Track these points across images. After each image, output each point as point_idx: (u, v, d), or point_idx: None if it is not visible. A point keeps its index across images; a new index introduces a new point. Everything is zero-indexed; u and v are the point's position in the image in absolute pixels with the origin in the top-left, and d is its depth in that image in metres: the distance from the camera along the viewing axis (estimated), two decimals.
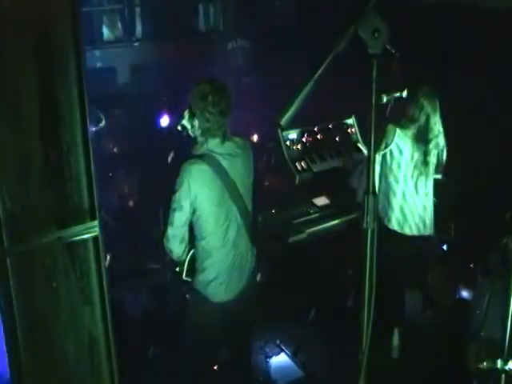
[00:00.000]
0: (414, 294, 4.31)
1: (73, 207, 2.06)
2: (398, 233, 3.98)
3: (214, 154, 3.10)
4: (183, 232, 3.10)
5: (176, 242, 3.11)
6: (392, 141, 3.82)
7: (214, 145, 3.11)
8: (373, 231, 1.82)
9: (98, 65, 5.91)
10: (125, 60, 6.11)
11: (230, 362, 3.64)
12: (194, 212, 3.09)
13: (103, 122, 4.50)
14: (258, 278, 3.39)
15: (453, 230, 4.68)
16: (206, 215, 3.10)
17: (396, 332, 4.08)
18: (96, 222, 2.08)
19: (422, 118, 3.83)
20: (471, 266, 4.40)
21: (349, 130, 4.48)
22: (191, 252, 3.21)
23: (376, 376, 2.11)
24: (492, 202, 4.16)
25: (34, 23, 1.87)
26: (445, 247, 4.72)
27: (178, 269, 3.27)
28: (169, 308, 4.21)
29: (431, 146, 3.87)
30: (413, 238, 4.01)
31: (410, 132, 3.85)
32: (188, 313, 3.39)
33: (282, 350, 4.25)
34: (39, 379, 2.12)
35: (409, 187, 3.93)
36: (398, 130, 3.83)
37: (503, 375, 2.57)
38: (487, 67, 4.36)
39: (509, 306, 2.55)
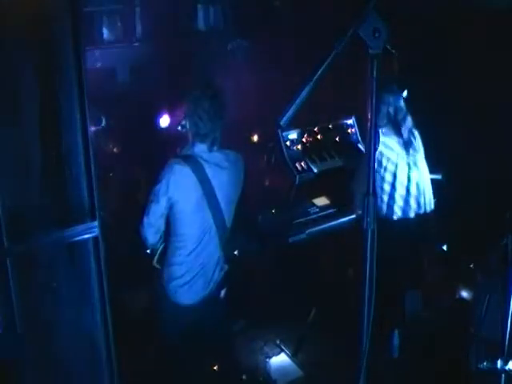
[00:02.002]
0: (414, 294, 4.31)
1: (73, 207, 2.06)
2: (401, 219, 4.03)
3: (200, 160, 3.10)
4: (159, 224, 3.15)
5: (151, 232, 3.16)
6: (378, 144, 3.91)
7: (201, 150, 3.12)
8: (373, 231, 1.82)
9: (98, 65, 5.90)
10: (125, 60, 6.10)
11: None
12: (170, 208, 3.11)
13: (103, 122, 4.49)
14: (223, 293, 3.35)
15: (453, 230, 4.68)
16: (181, 216, 3.12)
17: (396, 332, 4.08)
18: (96, 222, 2.08)
19: (390, 110, 3.94)
20: (471, 265, 4.39)
21: (349, 130, 4.47)
22: (164, 243, 3.25)
23: (376, 376, 2.11)
24: (492, 201, 4.16)
25: (34, 23, 1.87)
26: (445, 247, 4.72)
27: (149, 251, 3.31)
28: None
29: (406, 126, 3.98)
30: (414, 219, 4.06)
31: (388, 125, 3.95)
32: (158, 313, 3.42)
33: (282, 350, 4.26)
34: (39, 379, 2.12)
35: (405, 173, 3.98)
36: (380, 130, 3.92)
37: (503, 375, 2.57)
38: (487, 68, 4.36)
39: (508, 305, 2.56)
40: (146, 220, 3.14)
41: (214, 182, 3.11)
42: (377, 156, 3.92)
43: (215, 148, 3.14)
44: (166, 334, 3.38)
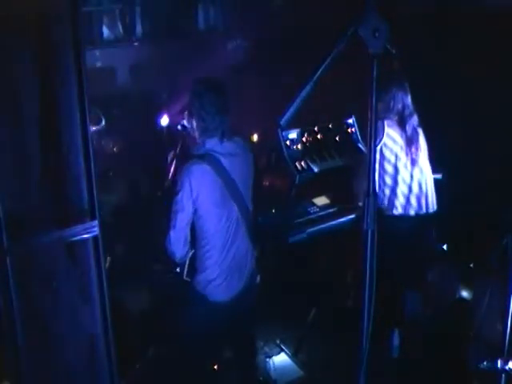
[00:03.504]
0: (414, 294, 4.31)
1: (73, 207, 2.05)
2: (401, 216, 4.04)
3: (214, 154, 3.10)
4: (185, 234, 3.11)
5: (179, 245, 3.10)
6: (383, 134, 3.92)
7: (212, 144, 3.13)
8: (373, 231, 1.82)
9: (98, 65, 5.90)
10: (125, 60, 6.10)
11: (234, 362, 3.65)
12: (195, 212, 3.09)
13: (103, 122, 4.49)
14: (258, 279, 3.38)
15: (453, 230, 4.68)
16: (207, 215, 3.10)
17: (396, 332, 4.08)
18: (96, 222, 2.08)
19: (398, 105, 3.96)
20: (471, 265, 4.39)
21: (349, 130, 4.47)
22: (191, 252, 3.21)
23: (376, 376, 2.11)
24: (492, 201, 4.16)
25: (34, 23, 1.87)
26: (445, 247, 4.72)
27: (178, 269, 3.27)
28: (169, 308, 4.21)
29: (411, 123, 3.99)
30: (414, 218, 4.06)
31: (394, 120, 3.97)
32: (187, 313, 3.38)
33: (282, 350, 4.25)
34: (39, 379, 2.12)
35: (407, 169, 3.99)
36: (385, 122, 3.93)
37: (503, 375, 2.57)
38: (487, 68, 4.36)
39: (508, 305, 2.56)
40: (172, 234, 3.07)
41: (232, 171, 3.12)
42: (380, 146, 3.94)
43: (225, 139, 3.15)
44: (196, 332, 3.27)
